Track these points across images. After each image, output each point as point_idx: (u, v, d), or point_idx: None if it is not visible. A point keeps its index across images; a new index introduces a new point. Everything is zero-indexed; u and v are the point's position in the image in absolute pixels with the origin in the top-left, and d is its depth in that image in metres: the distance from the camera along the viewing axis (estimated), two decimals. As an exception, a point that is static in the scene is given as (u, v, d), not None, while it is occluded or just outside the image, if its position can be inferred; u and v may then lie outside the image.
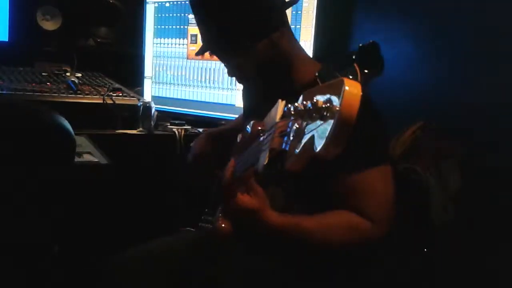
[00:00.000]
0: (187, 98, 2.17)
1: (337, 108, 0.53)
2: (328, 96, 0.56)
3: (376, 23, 1.88)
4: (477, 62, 1.51)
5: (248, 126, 1.15)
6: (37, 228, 1.31)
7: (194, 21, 2.12)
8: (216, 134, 1.58)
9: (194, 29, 2.14)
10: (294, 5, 1.83)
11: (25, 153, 1.21)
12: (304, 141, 0.60)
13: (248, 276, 1.19)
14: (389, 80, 1.75)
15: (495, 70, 1.46)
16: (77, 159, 1.46)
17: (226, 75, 2.04)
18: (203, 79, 2.12)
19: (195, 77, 2.15)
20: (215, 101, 2.09)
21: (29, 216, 1.27)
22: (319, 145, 0.56)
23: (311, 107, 0.58)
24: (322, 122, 0.56)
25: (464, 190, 1.33)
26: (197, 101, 2.14)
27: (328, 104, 0.55)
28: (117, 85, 2.11)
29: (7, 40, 2.28)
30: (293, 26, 1.87)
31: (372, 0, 1.97)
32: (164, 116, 2.11)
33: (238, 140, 1.32)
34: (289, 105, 0.66)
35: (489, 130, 1.45)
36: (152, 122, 1.94)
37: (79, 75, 2.20)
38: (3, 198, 1.21)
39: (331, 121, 0.54)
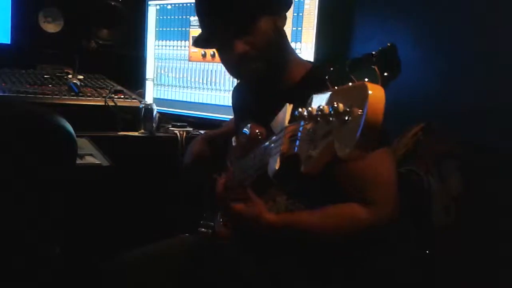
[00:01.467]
0: (188, 100, 2.18)
1: (360, 112, 0.53)
2: (349, 100, 0.55)
3: (377, 25, 1.88)
4: (477, 62, 1.51)
5: (245, 129, 1.15)
6: (38, 229, 1.32)
7: (195, 23, 2.13)
8: (212, 137, 1.58)
9: (195, 31, 2.14)
10: (296, 7, 1.85)
11: (27, 155, 1.22)
12: (321, 145, 0.60)
13: (247, 278, 1.19)
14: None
15: (496, 70, 1.46)
16: (79, 161, 1.47)
17: (227, 77, 2.05)
18: (205, 81, 2.13)
19: (197, 79, 2.15)
20: (217, 103, 2.09)
21: (30, 218, 1.28)
22: (343, 149, 0.55)
23: (330, 112, 0.57)
24: (342, 126, 0.55)
25: (465, 191, 1.33)
26: (198, 103, 2.14)
27: (350, 109, 0.54)
28: (118, 87, 2.11)
29: (9, 42, 2.29)
30: (295, 28, 1.88)
31: (373, 2, 1.97)
32: (166, 118, 2.11)
33: (234, 143, 1.32)
34: (300, 109, 0.65)
35: (490, 130, 1.45)
36: (153, 124, 1.94)
37: (81, 77, 2.21)
38: (5, 199, 1.22)
39: (355, 125, 0.53)
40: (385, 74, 0.60)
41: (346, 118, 0.55)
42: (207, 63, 2.11)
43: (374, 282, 1.26)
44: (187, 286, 1.27)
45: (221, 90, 2.08)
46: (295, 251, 1.14)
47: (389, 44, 0.65)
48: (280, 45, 1.22)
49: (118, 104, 1.92)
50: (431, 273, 1.43)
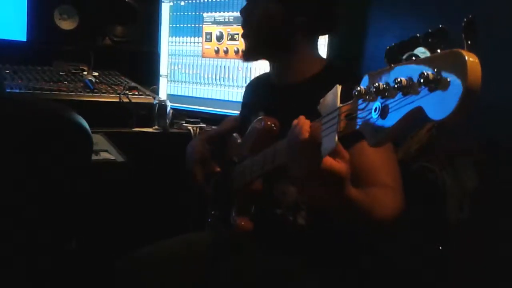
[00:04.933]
0: (202, 96, 2.19)
1: (461, 79, 0.54)
2: (439, 68, 0.57)
3: (391, 20, 1.87)
4: (490, 58, 1.49)
5: (256, 122, 1.15)
6: (53, 224, 1.33)
7: (209, 19, 2.14)
8: (212, 137, 1.56)
9: (208, 28, 2.15)
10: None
11: (44, 151, 1.24)
12: (399, 115, 0.62)
13: (264, 272, 1.19)
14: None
15: (509, 66, 1.45)
16: (94, 157, 1.49)
17: (240, 73, 2.06)
18: (218, 77, 2.13)
19: (210, 75, 2.16)
20: (230, 99, 2.10)
21: (46, 213, 1.29)
22: (440, 113, 0.56)
23: (414, 82, 0.59)
24: (432, 95, 0.57)
25: (479, 187, 1.32)
26: (212, 99, 2.15)
27: (441, 76, 0.56)
28: (133, 84, 2.13)
29: (25, 39, 2.32)
30: (308, 24, 1.88)
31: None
32: (179, 114, 2.12)
33: (238, 140, 1.32)
34: (358, 88, 0.67)
35: (504, 128, 1.43)
36: (167, 120, 1.96)
37: (96, 74, 2.23)
38: (21, 194, 1.24)
39: (452, 91, 0.55)
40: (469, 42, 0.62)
41: (435, 85, 0.57)
42: (220, 59, 2.12)
43: (388, 278, 1.26)
44: (200, 283, 1.27)
45: (234, 86, 2.09)
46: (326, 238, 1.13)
47: (441, 26, 0.67)
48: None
49: (133, 100, 1.94)
50: (445, 270, 1.42)
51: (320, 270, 1.16)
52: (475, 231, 1.39)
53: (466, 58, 0.55)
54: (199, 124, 2.04)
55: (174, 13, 2.27)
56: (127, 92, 1.99)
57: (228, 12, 2.08)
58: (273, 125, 1.11)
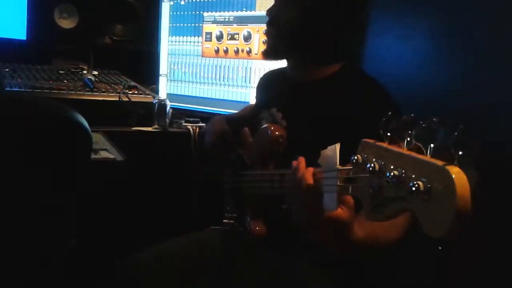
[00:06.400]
0: (202, 95, 2.19)
1: (451, 201, 0.54)
2: (429, 179, 0.56)
3: (391, 20, 1.87)
4: (492, 58, 1.49)
5: (263, 129, 1.16)
6: (52, 223, 1.33)
7: (209, 19, 2.14)
8: (230, 120, 1.56)
9: (208, 27, 2.15)
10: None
11: (43, 150, 1.23)
12: (391, 206, 0.63)
13: (269, 272, 1.19)
14: (404, 76, 1.75)
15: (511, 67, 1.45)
16: (93, 156, 1.48)
17: (240, 72, 2.06)
18: (218, 77, 2.13)
19: (210, 75, 2.16)
20: (230, 98, 2.10)
21: (45, 212, 1.29)
22: (432, 231, 0.57)
23: (407, 185, 0.59)
24: (424, 204, 0.57)
25: (479, 187, 1.31)
26: (211, 98, 2.15)
27: (431, 189, 0.56)
28: (132, 83, 2.13)
29: (25, 38, 2.32)
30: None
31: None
32: (179, 113, 2.12)
33: (250, 138, 1.32)
34: (356, 157, 0.70)
35: (504, 128, 1.43)
36: (167, 120, 1.96)
37: (96, 73, 2.23)
38: (21, 192, 1.23)
39: (444, 214, 0.55)
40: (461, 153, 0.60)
41: (426, 197, 0.57)
42: (220, 59, 2.12)
43: (387, 279, 1.26)
44: (201, 284, 1.27)
45: (234, 85, 2.09)
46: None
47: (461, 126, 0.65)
48: None
49: (132, 99, 1.94)
50: (444, 271, 1.42)
51: (325, 271, 1.15)
52: (475, 231, 1.39)
53: (455, 178, 0.54)
54: (199, 123, 2.04)
55: (174, 12, 2.27)
56: (127, 91, 1.99)
57: (228, 11, 2.08)
58: (280, 139, 1.14)
